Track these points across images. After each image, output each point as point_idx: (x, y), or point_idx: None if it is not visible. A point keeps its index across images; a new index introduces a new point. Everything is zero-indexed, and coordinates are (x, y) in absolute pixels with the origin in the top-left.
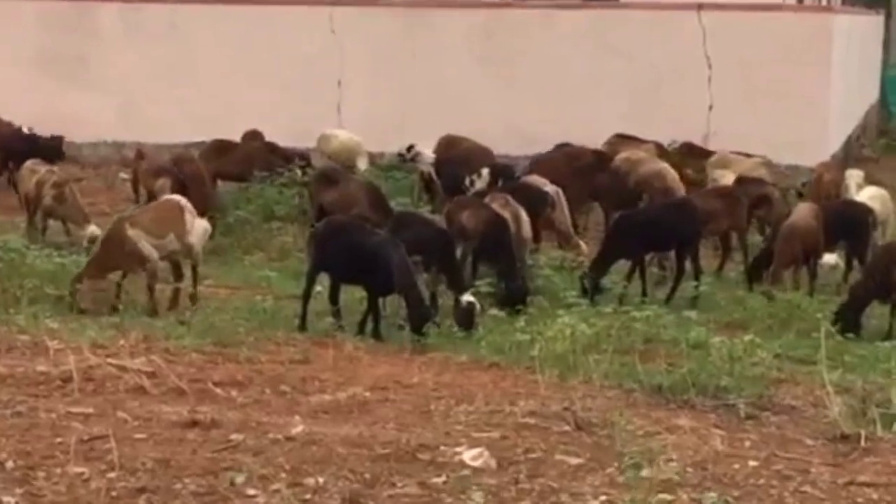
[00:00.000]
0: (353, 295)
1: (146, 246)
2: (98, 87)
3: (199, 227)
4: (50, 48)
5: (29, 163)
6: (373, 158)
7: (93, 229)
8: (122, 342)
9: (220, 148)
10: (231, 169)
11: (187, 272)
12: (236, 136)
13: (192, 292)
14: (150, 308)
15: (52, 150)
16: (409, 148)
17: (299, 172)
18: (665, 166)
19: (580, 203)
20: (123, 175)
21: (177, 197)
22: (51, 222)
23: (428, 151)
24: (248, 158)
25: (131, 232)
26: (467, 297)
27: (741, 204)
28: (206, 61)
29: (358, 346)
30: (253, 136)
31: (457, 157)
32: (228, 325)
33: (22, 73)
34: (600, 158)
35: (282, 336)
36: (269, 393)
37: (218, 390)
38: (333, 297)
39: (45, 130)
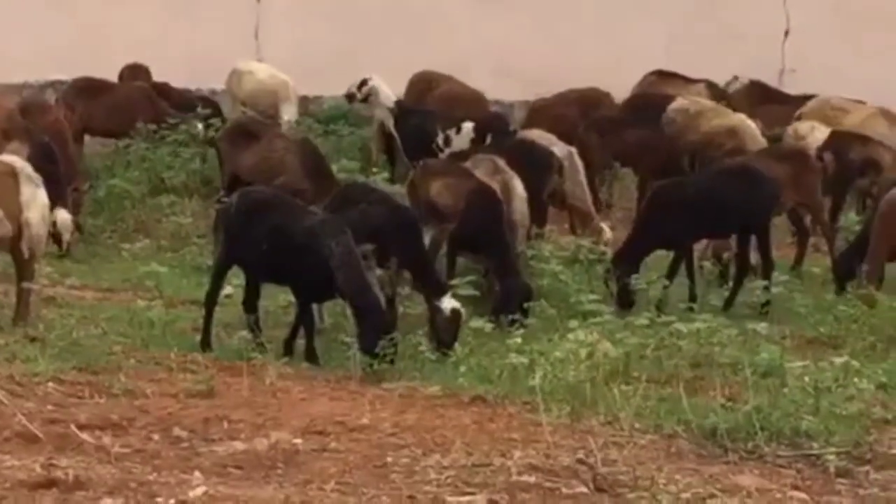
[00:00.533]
0: (279, 299)
1: None
2: None
3: (40, 201)
4: None
5: None
6: (304, 105)
7: None
8: None
9: (88, 89)
10: (103, 120)
11: (39, 266)
12: (111, 74)
13: (20, 301)
14: None
15: None
16: (363, 83)
17: (200, 125)
18: (741, 119)
19: (602, 168)
20: None
21: (8, 158)
22: None
23: (389, 90)
24: (128, 105)
25: None
26: (450, 303)
27: (811, 169)
28: None
29: (284, 373)
30: (134, 72)
31: (430, 104)
32: (99, 343)
33: None
34: (634, 105)
35: (176, 358)
36: (157, 440)
37: (84, 436)
38: (250, 303)
39: None
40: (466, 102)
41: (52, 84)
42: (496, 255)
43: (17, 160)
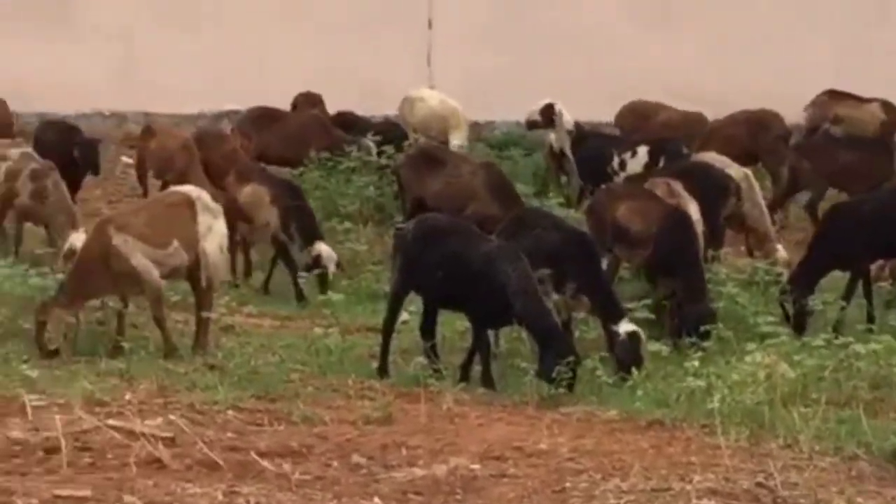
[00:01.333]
0: (455, 325)
1: (142, 260)
2: (88, 37)
3: (218, 231)
4: None
5: None
6: (476, 131)
7: (76, 238)
8: (128, 396)
9: (263, 119)
10: (279, 149)
11: (218, 295)
12: (283, 103)
13: (199, 330)
14: (166, 347)
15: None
16: (549, 108)
17: (374, 150)
18: None
19: (823, 193)
20: (126, 159)
21: (186, 188)
22: (28, 227)
23: (569, 115)
24: (303, 134)
25: (118, 240)
26: (627, 326)
27: None
28: None
29: (461, 399)
30: (308, 101)
31: (654, 133)
32: (277, 371)
33: None
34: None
35: (353, 385)
36: (336, 466)
37: (265, 463)
38: (427, 329)
39: (16, 100)
40: (690, 126)
41: (227, 114)
42: (687, 279)
43: (193, 190)
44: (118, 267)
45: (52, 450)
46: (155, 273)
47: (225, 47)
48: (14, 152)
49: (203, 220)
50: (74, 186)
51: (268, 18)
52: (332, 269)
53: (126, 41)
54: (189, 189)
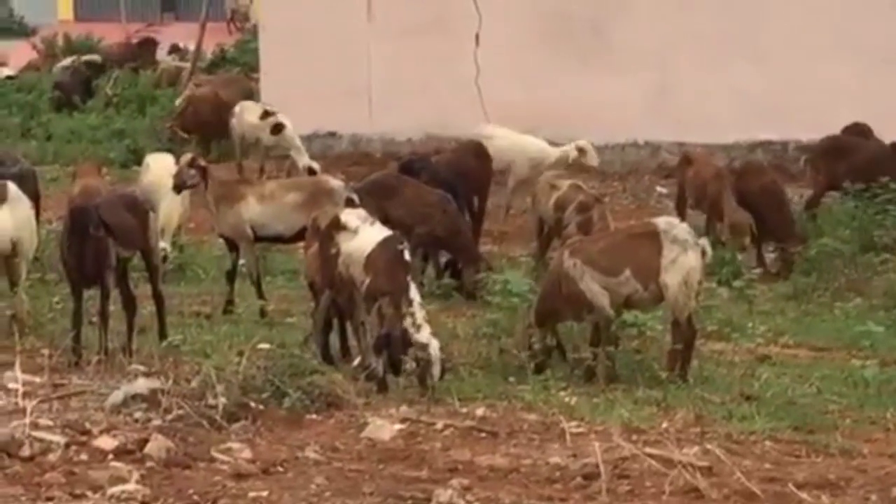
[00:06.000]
0: None
1: (592, 287)
2: (622, 66)
3: (685, 265)
4: (555, 14)
5: (549, 174)
6: None
7: None
8: (665, 424)
9: (838, 148)
10: (849, 178)
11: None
12: (819, 134)
13: (671, 359)
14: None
15: None
16: None
17: None
18: None
19: None
20: (662, 189)
21: (659, 219)
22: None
23: None
24: (873, 163)
25: (569, 263)
26: None
27: None
28: (777, 26)
29: None
30: (857, 132)
31: None
32: (814, 402)
33: (516, 48)
34: None
35: (892, 418)
36: (874, 500)
37: (802, 494)
38: None
39: (548, 127)
40: None
41: (761, 144)
42: None
43: (663, 221)
44: (567, 291)
45: (590, 476)
46: (605, 301)
47: (762, 76)
48: (564, 182)
49: (669, 252)
50: None
51: (799, 49)
52: None
53: (661, 70)
54: (660, 221)
